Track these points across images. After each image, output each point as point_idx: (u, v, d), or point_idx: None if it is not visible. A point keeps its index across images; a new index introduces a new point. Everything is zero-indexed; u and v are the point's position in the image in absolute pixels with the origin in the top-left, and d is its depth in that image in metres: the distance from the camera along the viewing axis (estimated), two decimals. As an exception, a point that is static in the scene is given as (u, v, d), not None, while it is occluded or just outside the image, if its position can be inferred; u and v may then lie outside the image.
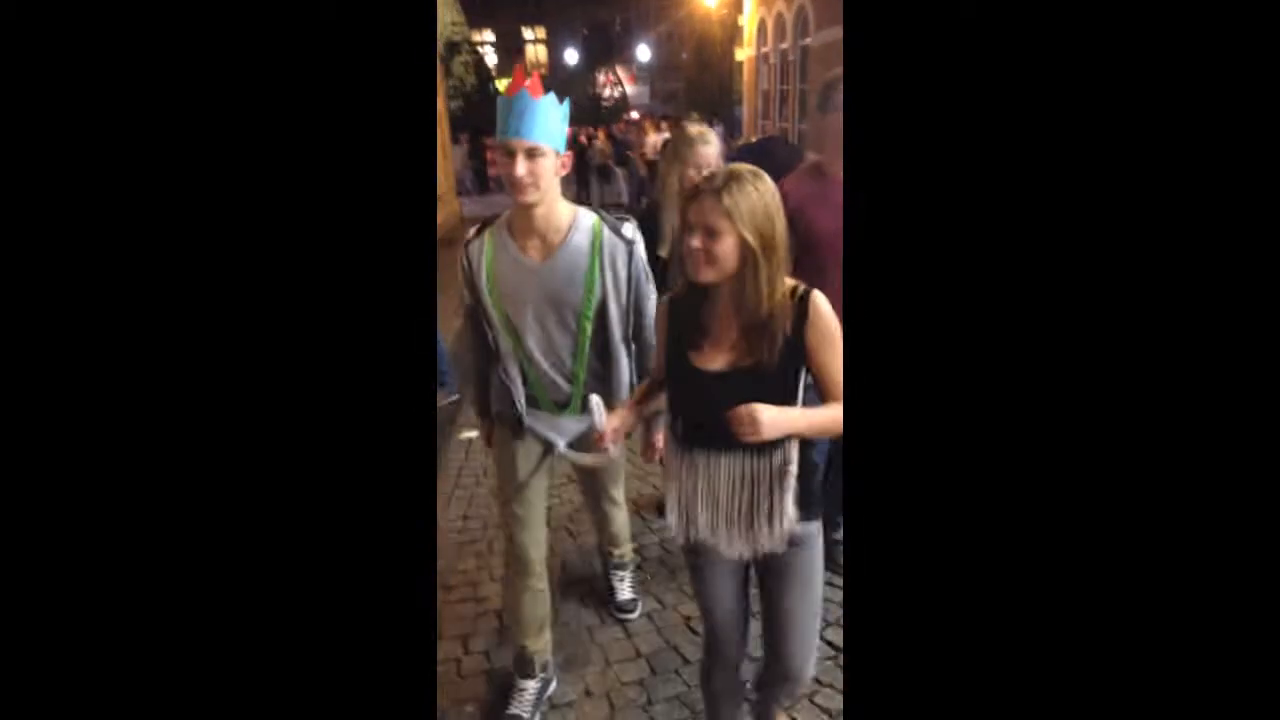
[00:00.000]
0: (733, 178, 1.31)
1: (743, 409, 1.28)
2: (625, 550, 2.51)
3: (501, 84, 24.59)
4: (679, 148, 2.33)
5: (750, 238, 1.30)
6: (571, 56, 28.14)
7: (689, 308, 1.44)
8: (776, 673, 1.62)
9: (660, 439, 1.84)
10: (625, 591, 2.50)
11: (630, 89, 26.86)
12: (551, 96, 1.63)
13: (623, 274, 1.78)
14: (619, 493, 2.33)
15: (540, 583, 2.02)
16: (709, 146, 2.26)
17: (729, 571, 1.56)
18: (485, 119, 14.53)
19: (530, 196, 1.65)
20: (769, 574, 1.54)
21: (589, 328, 1.80)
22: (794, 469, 1.40)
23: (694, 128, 2.37)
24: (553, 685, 2.16)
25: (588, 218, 1.77)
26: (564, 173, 1.72)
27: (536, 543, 1.99)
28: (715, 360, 1.41)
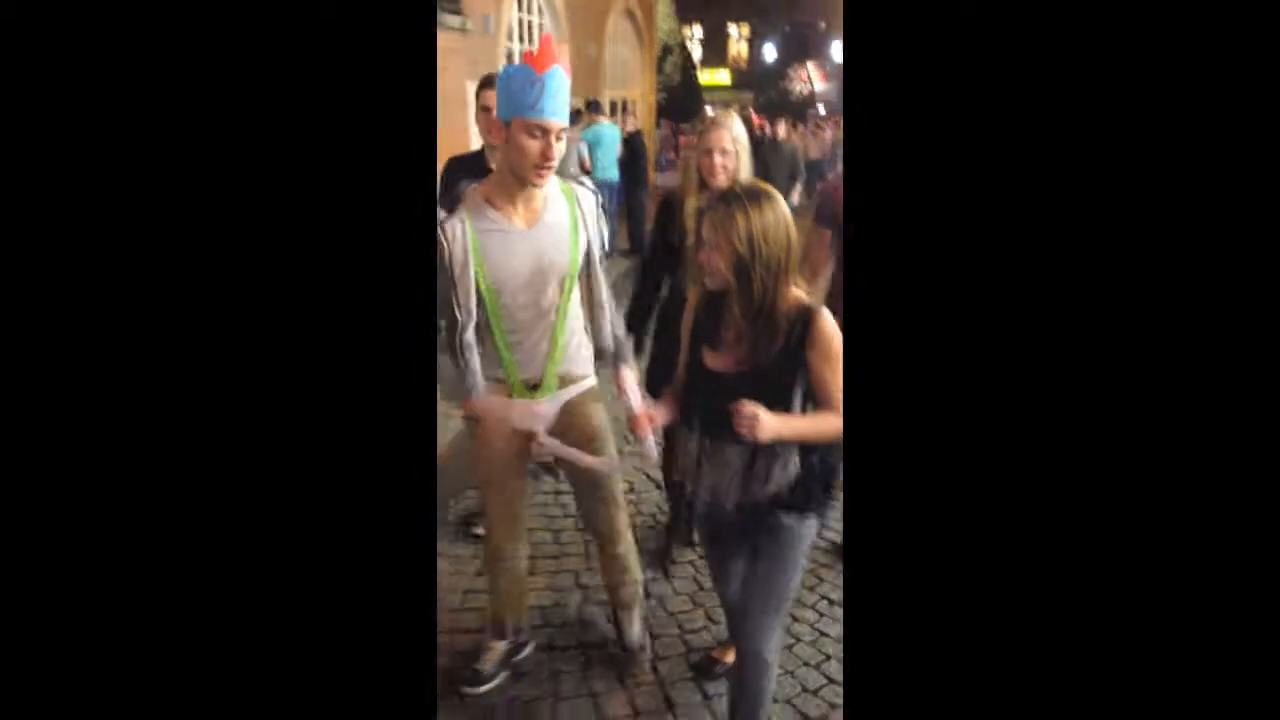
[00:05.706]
0: (726, 198, 1.43)
1: (747, 406, 1.35)
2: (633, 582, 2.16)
3: (706, 76, 26.72)
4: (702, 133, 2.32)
5: (740, 250, 1.39)
6: (770, 53, 30.04)
7: (708, 309, 1.55)
8: (737, 648, 1.73)
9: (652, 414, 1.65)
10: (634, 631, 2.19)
11: (821, 86, 28.02)
12: (561, 70, 1.55)
13: (593, 223, 1.81)
14: (617, 489, 2.05)
15: (512, 562, 2.05)
16: (721, 130, 2.23)
17: (734, 551, 1.68)
18: (684, 108, 17.30)
19: (547, 182, 1.66)
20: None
21: (574, 289, 1.80)
22: (794, 469, 1.51)
23: (719, 112, 2.44)
24: (525, 650, 2.17)
25: (553, 180, 1.75)
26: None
27: (512, 535, 2.02)
28: (722, 361, 1.53)
